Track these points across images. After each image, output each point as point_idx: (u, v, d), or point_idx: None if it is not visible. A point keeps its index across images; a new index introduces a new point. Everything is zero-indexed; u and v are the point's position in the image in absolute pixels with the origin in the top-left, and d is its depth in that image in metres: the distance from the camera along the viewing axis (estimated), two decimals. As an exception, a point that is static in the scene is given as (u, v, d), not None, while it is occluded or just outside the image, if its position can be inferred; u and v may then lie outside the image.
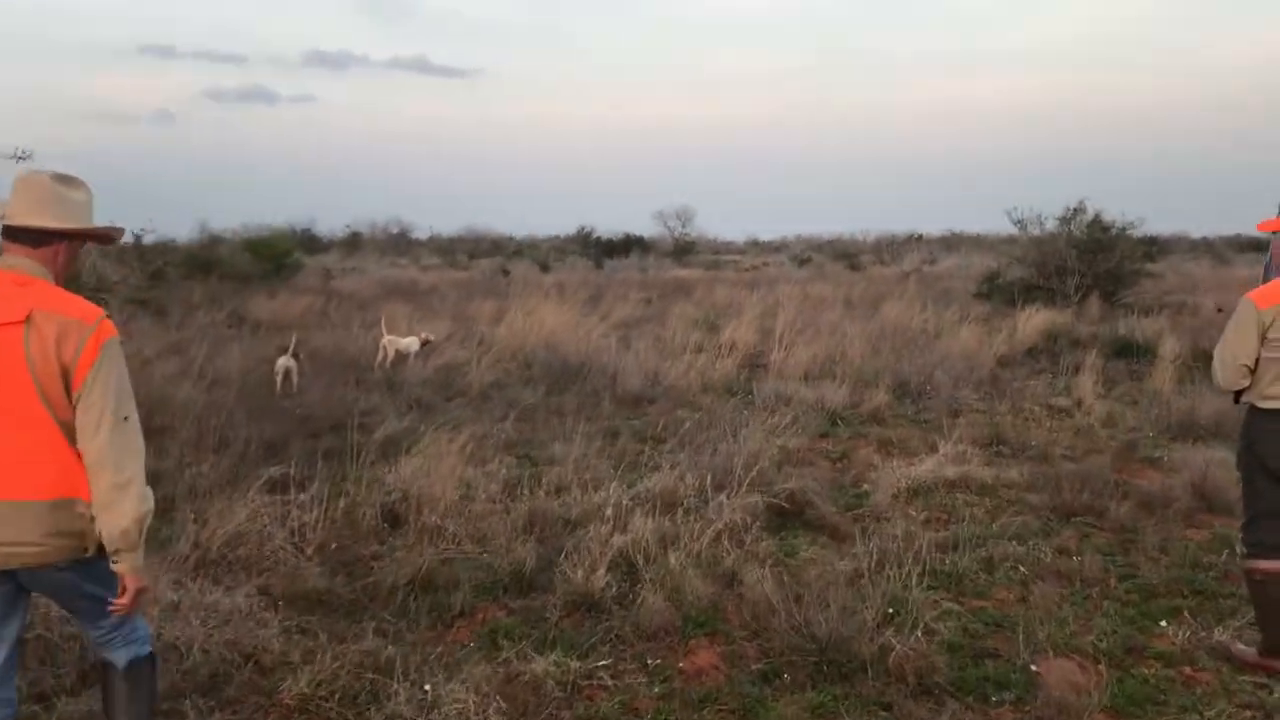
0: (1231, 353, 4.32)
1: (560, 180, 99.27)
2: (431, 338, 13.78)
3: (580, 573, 5.08)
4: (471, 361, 12.77)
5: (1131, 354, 13.23)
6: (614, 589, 5.06)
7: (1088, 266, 21.18)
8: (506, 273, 37.31)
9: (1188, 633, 4.76)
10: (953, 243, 67.88)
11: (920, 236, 71.12)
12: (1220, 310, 17.55)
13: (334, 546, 5.76)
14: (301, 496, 6.22)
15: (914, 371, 11.70)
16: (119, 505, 2.76)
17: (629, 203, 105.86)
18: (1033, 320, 16.06)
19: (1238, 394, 4.46)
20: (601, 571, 5.09)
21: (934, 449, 8.17)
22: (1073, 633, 4.75)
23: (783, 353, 12.91)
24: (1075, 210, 21.76)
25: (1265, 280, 4.79)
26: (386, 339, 13.37)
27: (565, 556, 5.35)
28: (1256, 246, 59.76)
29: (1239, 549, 4.55)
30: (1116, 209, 22.74)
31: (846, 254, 53.98)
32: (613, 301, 22.59)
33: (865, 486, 7.37)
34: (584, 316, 17.77)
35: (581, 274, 37.14)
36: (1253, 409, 4.37)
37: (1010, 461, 8.09)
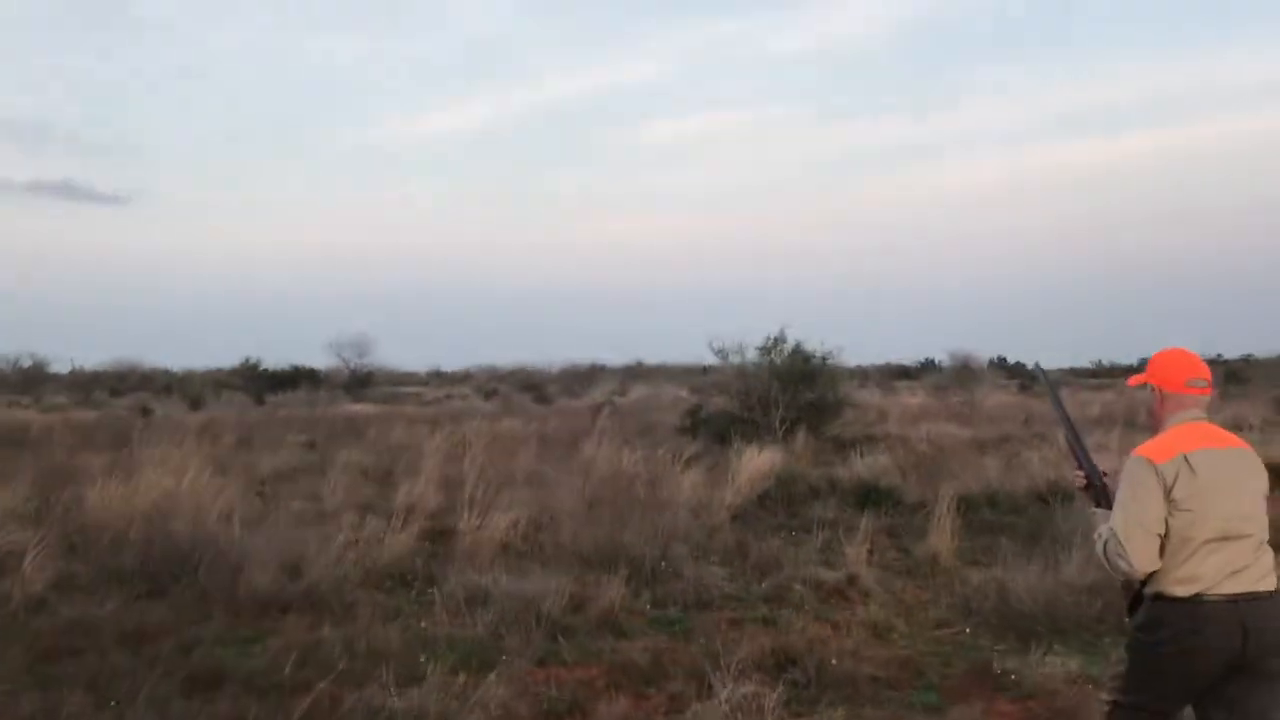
0: (1139, 524, 3.28)
1: (225, 310, 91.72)
2: (-18, 513, 9.66)
3: None
4: (31, 548, 8.81)
5: (878, 503, 11.21)
6: None
7: (791, 398, 19.69)
8: (147, 412, 31.94)
9: None
10: (636, 373, 67.66)
11: (603, 367, 70.52)
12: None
13: None
14: None
15: (643, 540, 8.98)
16: None
17: (301, 333, 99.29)
18: (754, 462, 13.92)
19: (1133, 598, 3.44)
20: None
21: (704, 683, 5.38)
22: None
23: (476, 518, 9.84)
24: (776, 339, 20.35)
25: (1068, 430, 3.84)
26: (-91, 518, 9.15)
27: None
28: (905, 374, 63.34)
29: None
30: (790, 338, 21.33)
31: (532, 384, 51.81)
32: (265, 447, 18.71)
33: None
34: (220, 471, 13.97)
35: (238, 411, 32.40)
36: (1160, 600, 3.33)
37: (819, 703, 5.40)
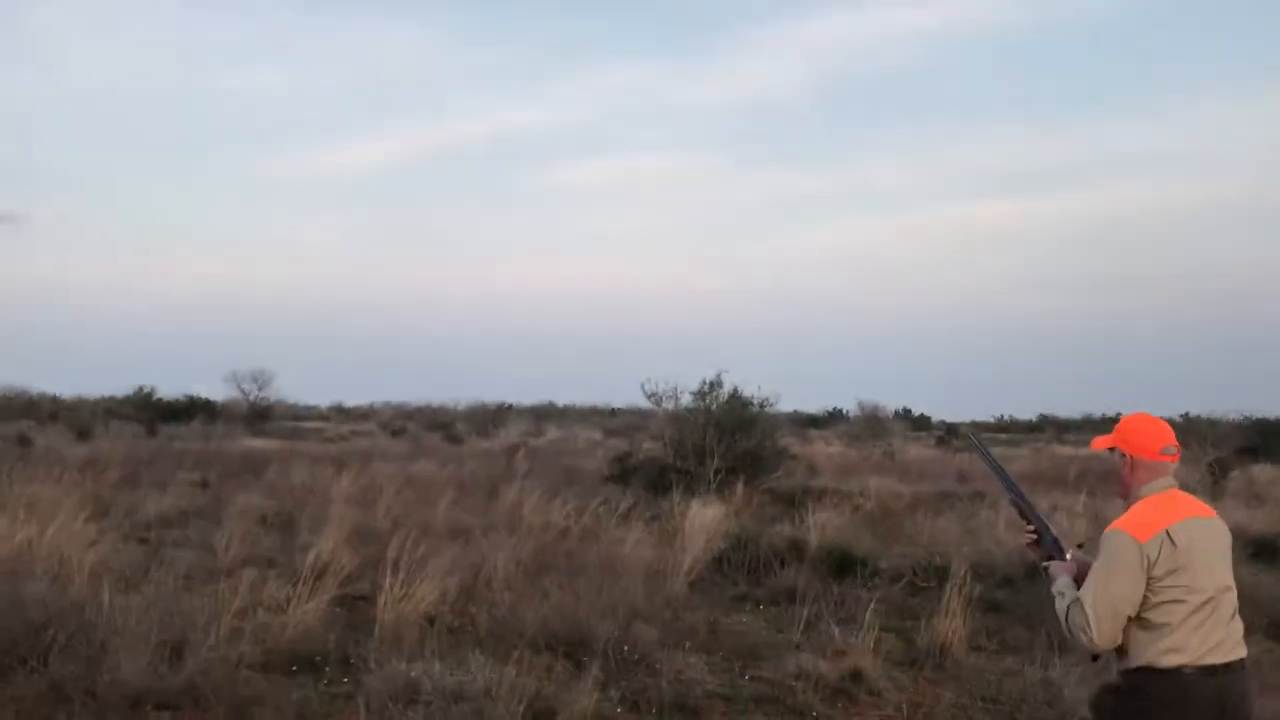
0: (1110, 603, 3.17)
1: (120, 337, 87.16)
2: None
3: None
4: None
5: (852, 572, 9.95)
6: None
7: (727, 447, 18.41)
8: (26, 442, 29.27)
9: None
10: (545, 413, 66.08)
11: (511, 406, 68.76)
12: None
13: None
14: None
15: (597, 616, 7.54)
16: None
17: (199, 364, 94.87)
18: (701, 518, 12.59)
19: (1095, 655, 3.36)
20: None
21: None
22: None
23: (399, 585, 8.26)
24: (712, 384, 19.09)
25: (1014, 492, 3.67)
26: None
27: None
28: (814, 423, 62.87)
29: None
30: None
31: (440, 423, 49.79)
32: (153, 485, 16.71)
33: None
34: (98, 513, 12.14)
35: (127, 444, 29.88)
36: (1147, 673, 3.20)
37: None
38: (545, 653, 7.01)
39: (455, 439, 39.39)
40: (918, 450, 39.36)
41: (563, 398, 72.14)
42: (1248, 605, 7.45)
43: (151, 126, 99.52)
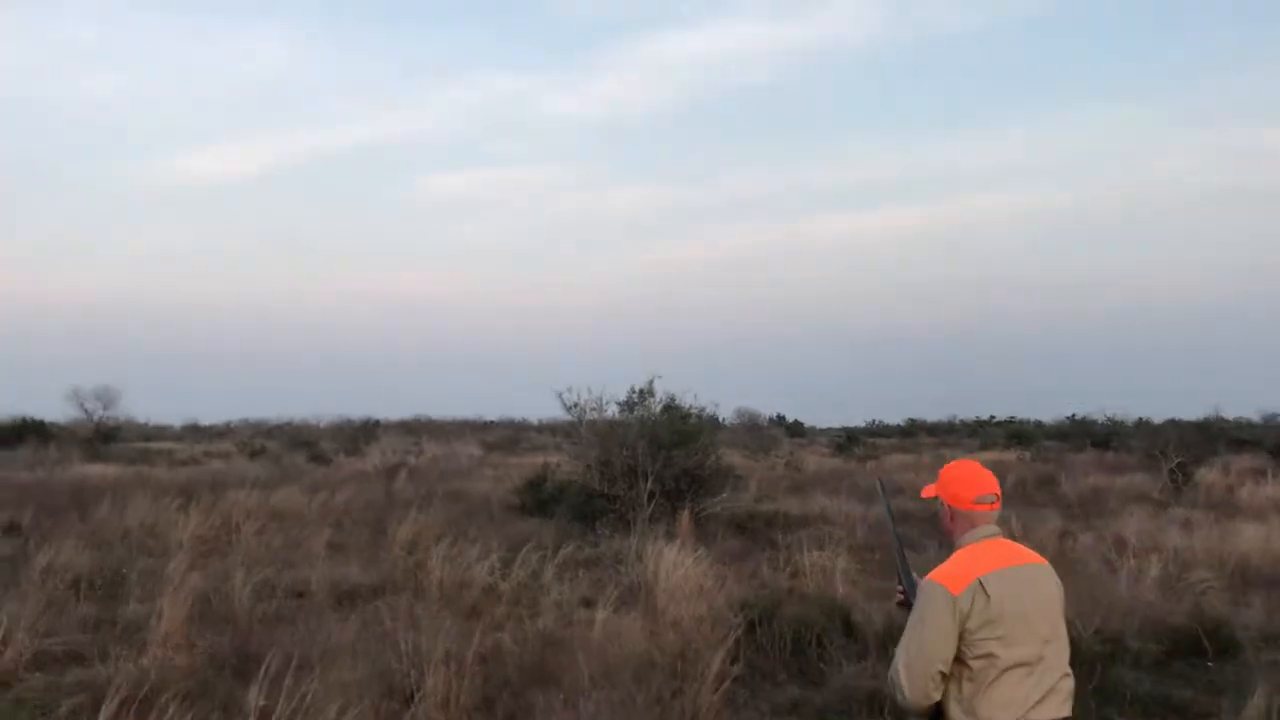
0: (921, 657, 2.90)
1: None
2: None
3: None
4: None
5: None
6: None
7: (662, 465, 15.12)
8: None
9: None
10: (415, 428, 61.57)
11: (378, 422, 64.07)
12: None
13: None
14: None
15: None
16: None
17: (42, 383, 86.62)
18: (676, 570, 9.34)
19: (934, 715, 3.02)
20: None
21: None
22: None
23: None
24: (643, 392, 15.80)
25: (896, 546, 3.41)
26: None
27: None
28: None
29: None
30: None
31: (304, 441, 44.89)
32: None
33: None
34: None
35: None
36: None
37: None
38: None
39: (321, 459, 34.93)
40: (817, 459, 36.86)
41: (434, 411, 67.73)
42: None
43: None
